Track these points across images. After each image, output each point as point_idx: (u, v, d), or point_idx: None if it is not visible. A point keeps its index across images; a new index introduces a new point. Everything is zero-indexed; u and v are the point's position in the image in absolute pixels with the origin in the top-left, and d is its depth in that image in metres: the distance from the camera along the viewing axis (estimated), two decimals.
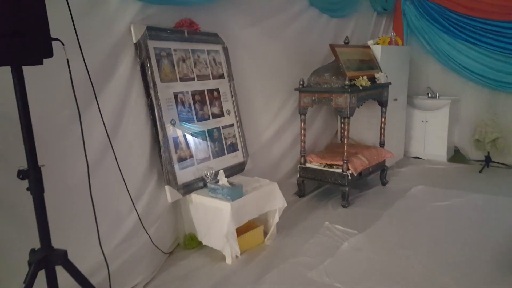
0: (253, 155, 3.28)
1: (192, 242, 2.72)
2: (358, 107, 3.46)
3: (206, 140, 2.83)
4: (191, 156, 2.70)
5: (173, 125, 2.60)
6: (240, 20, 3.20)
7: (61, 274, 1.57)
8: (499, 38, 4.38)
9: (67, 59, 1.52)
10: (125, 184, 2.19)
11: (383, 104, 3.93)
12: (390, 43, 4.31)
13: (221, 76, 3.04)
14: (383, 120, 3.98)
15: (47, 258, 1.50)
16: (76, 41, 1.68)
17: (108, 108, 2.19)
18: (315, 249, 2.68)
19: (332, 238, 2.84)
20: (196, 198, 2.63)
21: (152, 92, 2.47)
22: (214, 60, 2.99)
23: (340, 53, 3.57)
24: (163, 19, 2.61)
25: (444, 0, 4.65)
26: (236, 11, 3.14)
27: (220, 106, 3.01)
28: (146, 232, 2.39)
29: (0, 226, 1.72)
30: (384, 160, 3.97)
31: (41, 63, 1.39)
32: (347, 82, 3.30)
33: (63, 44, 1.46)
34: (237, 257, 2.58)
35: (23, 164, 1.43)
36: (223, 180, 2.61)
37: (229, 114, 3.07)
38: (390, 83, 3.95)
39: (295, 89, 3.58)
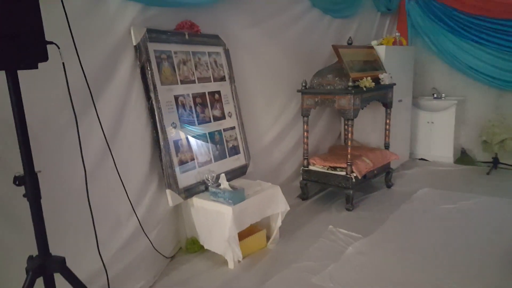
0: (255, 158, 3.24)
1: (194, 246, 2.70)
2: (362, 109, 3.41)
3: (208, 143, 2.81)
4: (192, 160, 2.67)
5: (174, 128, 2.58)
6: (241, 21, 3.17)
7: (60, 280, 1.55)
8: (506, 37, 4.31)
9: (63, 63, 1.50)
10: (124, 188, 2.17)
11: (387, 105, 3.88)
12: (394, 43, 4.26)
13: (222, 78, 3.01)
14: (387, 121, 3.92)
15: (44, 265, 1.48)
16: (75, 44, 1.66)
17: (108, 111, 2.18)
18: (319, 254, 2.64)
19: (336, 242, 2.79)
20: (197, 202, 2.60)
21: (152, 95, 2.45)
22: (215, 62, 2.97)
23: (343, 54, 3.53)
24: (163, 21, 2.59)
25: None
26: (237, 11, 3.10)
27: (222, 109, 2.98)
28: (147, 237, 2.37)
29: None
30: (389, 162, 3.91)
31: (36, 67, 1.36)
32: (350, 83, 3.26)
33: (59, 48, 1.44)
34: (239, 261, 2.55)
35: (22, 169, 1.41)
36: (224, 183, 2.58)
37: (230, 116, 3.04)
38: (394, 84, 3.90)
39: (298, 91, 3.54)
